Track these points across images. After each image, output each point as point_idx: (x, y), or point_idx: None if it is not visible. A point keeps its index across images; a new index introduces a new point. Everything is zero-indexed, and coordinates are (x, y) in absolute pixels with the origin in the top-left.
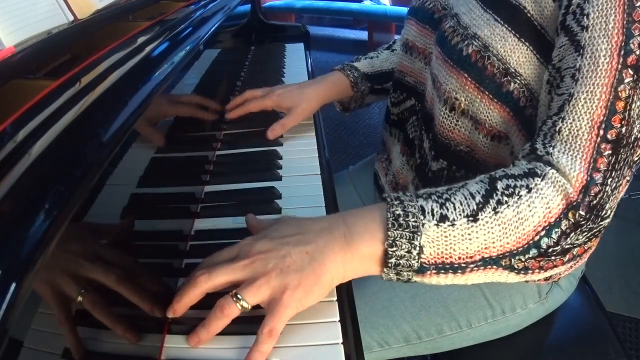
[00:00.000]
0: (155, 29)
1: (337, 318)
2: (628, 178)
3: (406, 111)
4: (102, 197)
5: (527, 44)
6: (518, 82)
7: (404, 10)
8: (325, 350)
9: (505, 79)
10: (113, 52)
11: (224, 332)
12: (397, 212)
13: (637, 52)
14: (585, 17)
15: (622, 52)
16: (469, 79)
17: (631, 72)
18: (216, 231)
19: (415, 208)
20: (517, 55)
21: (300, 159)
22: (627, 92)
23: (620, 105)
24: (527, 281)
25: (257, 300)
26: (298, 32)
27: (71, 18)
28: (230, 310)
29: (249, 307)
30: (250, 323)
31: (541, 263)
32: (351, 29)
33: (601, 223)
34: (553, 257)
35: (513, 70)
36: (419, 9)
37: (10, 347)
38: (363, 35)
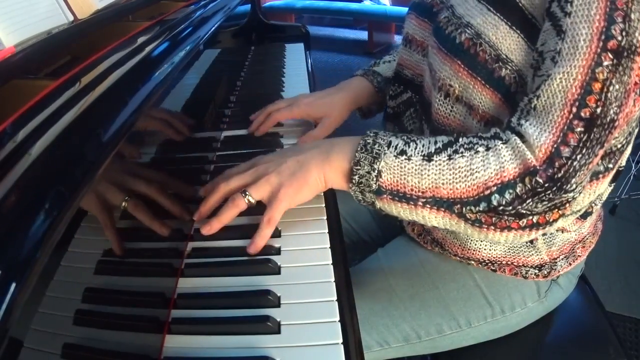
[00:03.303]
0: (155, 29)
1: (337, 318)
2: (600, 157)
3: (402, 104)
4: None
5: (518, 31)
6: (509, 68)
7: (404, 10)
8: (325, 350)
9: (496, 65)
10: (113, 52)
11: (224, 333)
12: (369, 141)
13: (619, 38)
14: (569, 4)
15: (603, 37)
16: (462, 66)
17: (611, 56)
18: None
19: (384, 140)
20: (508, 42)
21: None
22: (605, 74)
23: (597, 86)
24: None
25: (259, 195)
26: (298, 32)
27: (71, 18)
28: (239, 202)
29: (254, 202)
30: (241, 323)
31: (494, 220)
32: (351, 29)
33: (564, 196)
34: (506, 217)
35: (504, 57)
36: (419, 4)
37: (10, 347)
38: (363, 35)
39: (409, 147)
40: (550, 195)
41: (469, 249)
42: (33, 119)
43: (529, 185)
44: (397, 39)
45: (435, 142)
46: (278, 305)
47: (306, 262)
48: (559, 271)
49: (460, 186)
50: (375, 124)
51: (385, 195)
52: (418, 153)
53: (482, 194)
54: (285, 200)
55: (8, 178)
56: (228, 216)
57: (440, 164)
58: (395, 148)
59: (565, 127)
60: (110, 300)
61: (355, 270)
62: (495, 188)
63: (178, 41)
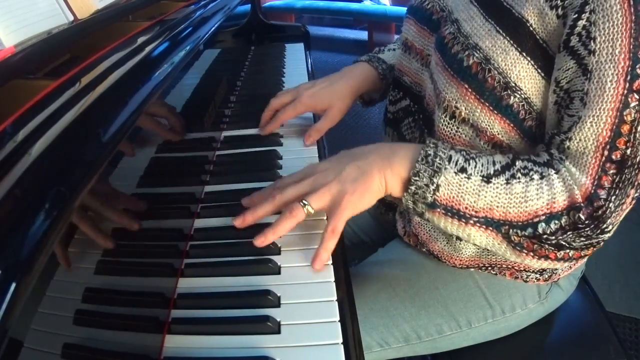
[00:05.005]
0: (155, 29)
1: (337, 318)
2: (632, 197)
3: (401, 111)
4: None
5: (529, 58)
6: (518, 96)
7: (404, 10)
8: (325, 350)
9: (505, 92)
10: (113, 52)
11: (224, 333)
12: (430, 152)
13: None
14: (592, 40)
15: (629, 78)
16: (469, 90)
17: (637, 97)
18: (216, 231)
19: (444, 154)
20: (518, 69)
21: (300, 159)
22: (632, 115)
23: (625, 128)
24: (521, 270)
25: (320, 205)
26: (298, 32)
27: (71, 18)
28: (298, 213)
29: (313, 211)
30: (241, 323)
31: (535, 247)
32: (351, 29)
33: (600, 236)
34: (546, 246)
35: (513, 85)
36: (418, 9)
37: (10, 347)
38: (363, 35)
39: (469, 164)
40: (588, 232)
41: (467, 259)
42: (33, 119)
43: (572, 219)
44: (397, 39)
45: (494, 163)
46: (278, 305)
47: (306, 262)
48: (559, 275)
49: (512, 211)
50: (375, 124)
51: (438, 209)
52: (477, 173)
53: (530, 221)
54: (348, 208)
55: (8, 178)
56: (285, 227)
57: (497, 187)
58: (456, 164)
59: (600, 170)
60: (110, 300)
61: (355, 270)
62: (544, 217)
63: (178, 41)
